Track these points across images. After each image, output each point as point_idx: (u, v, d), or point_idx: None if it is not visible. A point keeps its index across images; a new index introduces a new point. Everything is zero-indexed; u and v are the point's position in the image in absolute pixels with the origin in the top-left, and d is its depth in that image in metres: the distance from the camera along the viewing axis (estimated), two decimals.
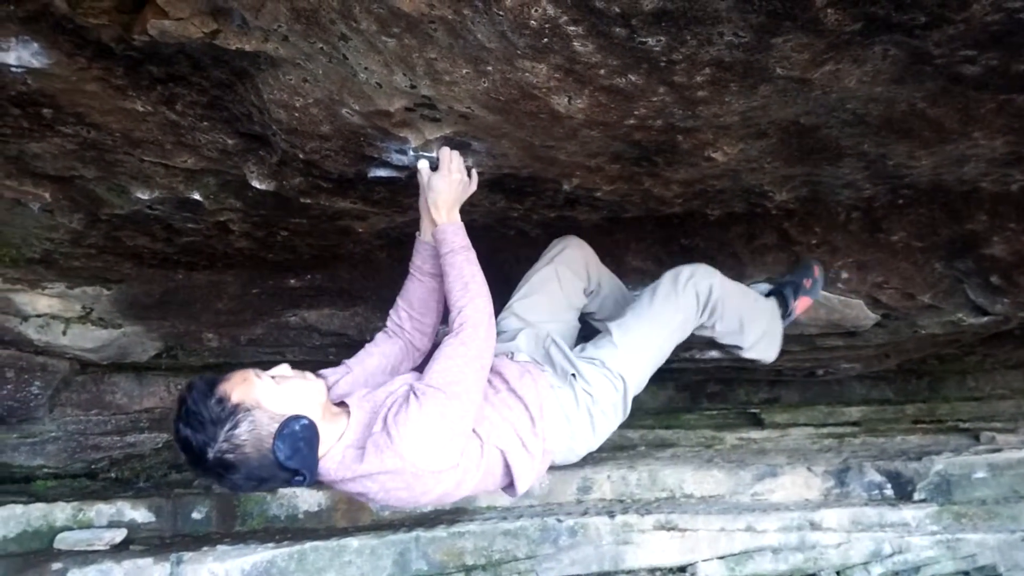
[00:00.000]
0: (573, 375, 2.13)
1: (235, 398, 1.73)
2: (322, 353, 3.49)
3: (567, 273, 2.41)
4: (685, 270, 2.30)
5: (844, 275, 2.66)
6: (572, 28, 1.39)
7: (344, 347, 3.42)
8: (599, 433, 2.21)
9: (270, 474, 1.76)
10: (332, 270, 3.01)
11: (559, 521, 4.03)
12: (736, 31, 1.35)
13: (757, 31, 1.34)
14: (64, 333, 3.18)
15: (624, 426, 5.00)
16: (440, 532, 3.92)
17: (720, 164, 1.93)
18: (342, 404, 1.93)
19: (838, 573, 4.11)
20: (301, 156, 1.99)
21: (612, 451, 4.82)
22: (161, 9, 1.62)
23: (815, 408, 4.82)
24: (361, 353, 2.17)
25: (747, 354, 2.50)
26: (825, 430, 4.76)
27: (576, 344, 2.39)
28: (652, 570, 4.05)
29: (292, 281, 3.09)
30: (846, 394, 4.95)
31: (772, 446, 4.75)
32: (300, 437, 1.74)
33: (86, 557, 3.66)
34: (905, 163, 1.92)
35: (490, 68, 1.55)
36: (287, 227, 2.54)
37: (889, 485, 4.34)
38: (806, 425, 4.81)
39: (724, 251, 2.64)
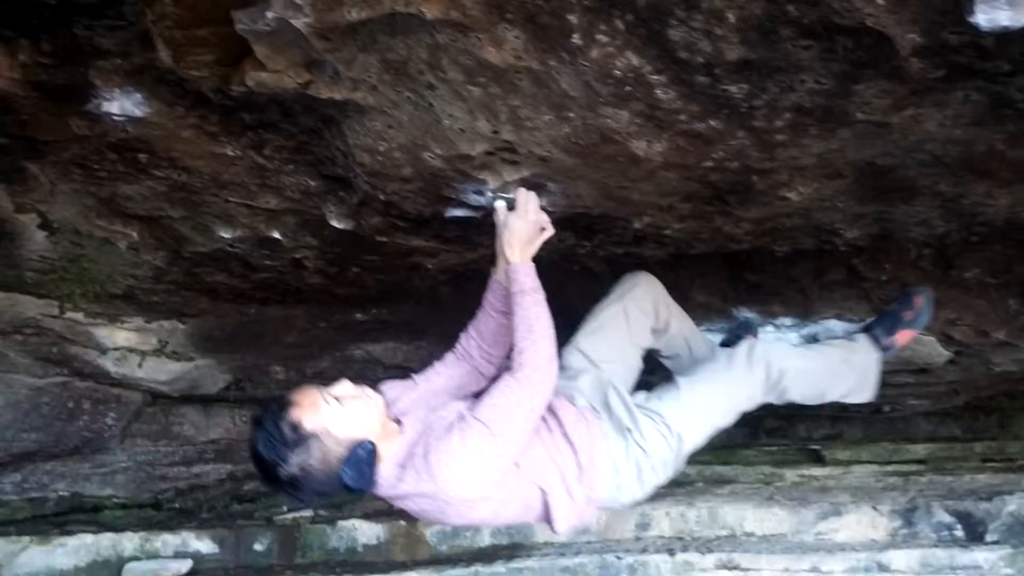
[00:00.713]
0: (629, 429, 2.17)
1: (306, 425, 1.88)
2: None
3: (635, 312, 2.46)
4: (761, 347, 2.35)
5: None
6: (655, 77, 1.46)
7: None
8: (645, 487, 2.26)
9: (333, 491, 1.97)
10: (397, 304, 3.10)
11: (618, 558, 4.03)
12: (818, 78, 1.41)
13: (839, 78, 1.39)
14: (140, 366, 3.31)
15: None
16: (499, 568, 3.94)
17: (793, 203, 1.98)
18: (398, 420, 2.01)
19: None
20: (382, 197, 2.09)
21: (670, 487, 4.77)
22: (260, 62, 1.73)
23: (879, 445, 4.75)
24: (429, 371, 2.27)
25: (839, 401, 2.53)
26: (890, 468, 4.68)
27: (637, 387, 2.44)
28: None
29: (358, 315, 3.18)
30: (911, 431, 4.87)
31: (834, 484, 4.68)
32: (364, 461, 1.91)
33: None
34: (982, 201, 1.95)
35: (572, 114, 1.63)
36: (359, 263, 2.64)
37: (959, 526, 4.24)
38: (870, 462, 4.73)
39: (791, 287, 2.67)
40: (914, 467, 4.68)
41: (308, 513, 4.27)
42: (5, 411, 3.31)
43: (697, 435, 2.30)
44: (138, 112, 1.99)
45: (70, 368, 3.30)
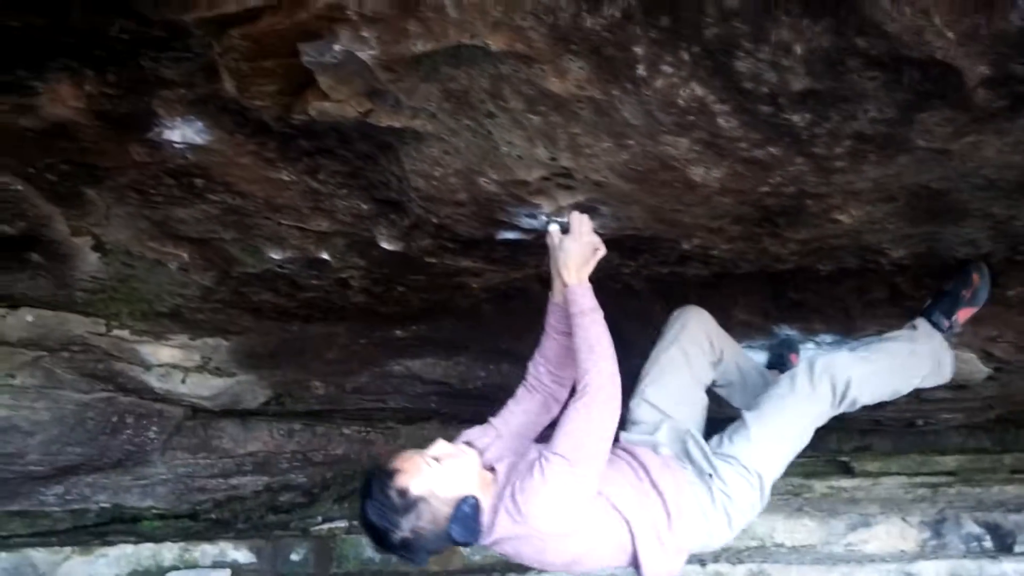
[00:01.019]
0: (710, 475, 2.18)
1: (413, 490, 1.97)
2: (424, 401, 3.59)
3: (693, 349, 2.46)
4: (820, 361, 2.32)
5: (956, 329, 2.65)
6: (718, 106, 1.47)
7: (446, 395, 3.52)
8: (735, 528, 2.29)
9: (443, 547, 2.06)
10: (438, 321, 3.12)
11: None
12: (881, 107, 1.42)
13: (903, 107, 1.40)
14: (183, 382, 3.34)
15: None
16: None
17: (843, 225, 1.99)
18: (491, 469, 2.05)
19: None
20: (434, 220, 2.11)
21: None
22: (323, 92, 1.75)
23: (908, 457, 4.73)
24: (505, 412, 2.28)
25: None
26: (919, 479, 4.65)
27: (706, 428, 2.45)
28: None
29: (398, 332, 3.20)
30: (941, 443, 4.84)
31: (863, 495, 4.66)
32: (470, 516, 1.99)
33: None
34: None
35: (631, 142, 1.64)
36: (404, 283, 2.66)
37: (988, 537, 4.22)
38: (898, 474, 4.70)
39: (834, 305, 2.67)
40: (943, 479, 4.66)
41: (343, 524, 4.29)
42: (51, 425, 3.34)
43: (776, 467, 2.32)
44: (199, 140, 2.01)
45: (115, 384, 3.33)
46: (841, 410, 2.35)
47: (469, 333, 3.17)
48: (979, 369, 2.86)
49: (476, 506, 1.99)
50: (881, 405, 2.48)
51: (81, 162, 2.17)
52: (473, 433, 2.27)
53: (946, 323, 2.46)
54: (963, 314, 2.46)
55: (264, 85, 1.80)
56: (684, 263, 2.42)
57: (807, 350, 2.89)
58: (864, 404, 2.38)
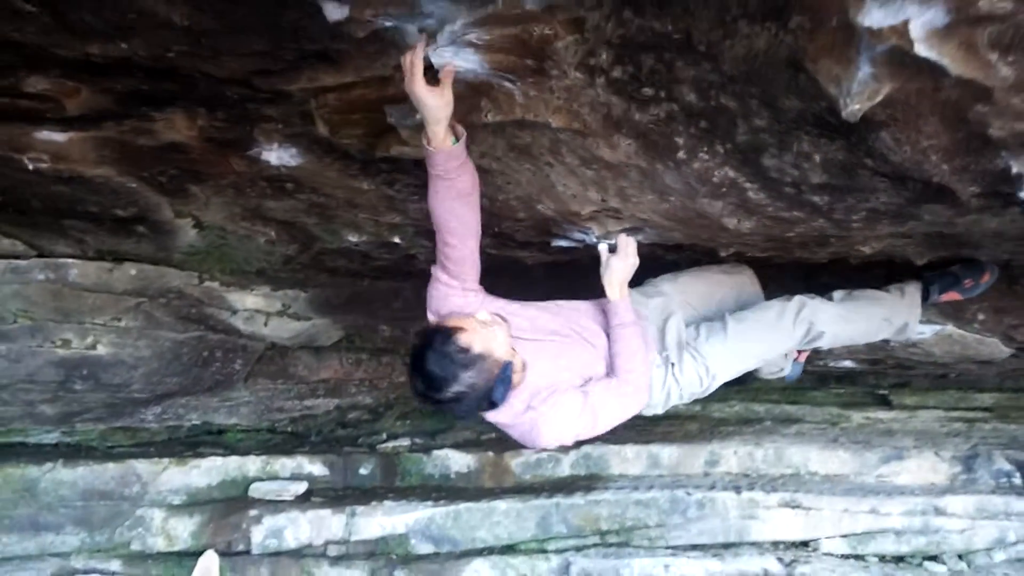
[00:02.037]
0: (673, 364, 2.53)
1: (476, 348, 2.13)
2: None
3: (733, 290, 2.81)
4: (808, 308, 2.62)
5: (980, 317, 2.94)
6: (748, 184, 1.78)
7: None
8: (667, 407, 2.64)
9: (480, 407, 2.23)
10: (495, 279, 3.49)
11: (688, 494, 4.48)
12: (891, 197, 1.70)
13: (909, 201, 1.68)
14: (265, 324, 3.83)
15: (751, 399, 5.35)
16: (578, 499, 4.45)
17: (866, 253, 2.27)
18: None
19: (960, 557, 4.41)
20: (495, 229, 2.46)
21: (738, 424, 5.20)
22: (402, 139, 2.08)
23: (946, 392, 5.02)
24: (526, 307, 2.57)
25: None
26: (955, 414, 4.97)
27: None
28: (776, 543, 4.46)
29: None
30: (980, 378, 5.11)
31: (899, 427, 4.99)
32: (508, 380, 2.20)
33: (277, 506, 4.40)
34: None
35: (672, 199, 1.96)
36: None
37: (1018, 474, 4.57)
38: (935, 408, 5.01)
39: (864, 287, 2.95)
40: (979, 414, 4.95)
41: (406, 442, 4.84)
42: (152, 360, 3.88)
43: (730, 375, 2.65)
44: (292, 162, 2.38)
45: (206, 325, 3.83)
46: (800, 347, 2.71)
47: (522, 290, 3.54)
48: (1001, 350, 3.15)
49: (511, 371, 2.18)
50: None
51: (188, 169, 2.55)
52: (499, 304, 2.48)
53: (936, 297, 2.77)
54: (949, 296, 2.77)
55: (352, 129, 2.14)
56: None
57: None
58: (819, 347, 2.75)
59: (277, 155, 2.35)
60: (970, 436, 4.85)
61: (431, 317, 2.36)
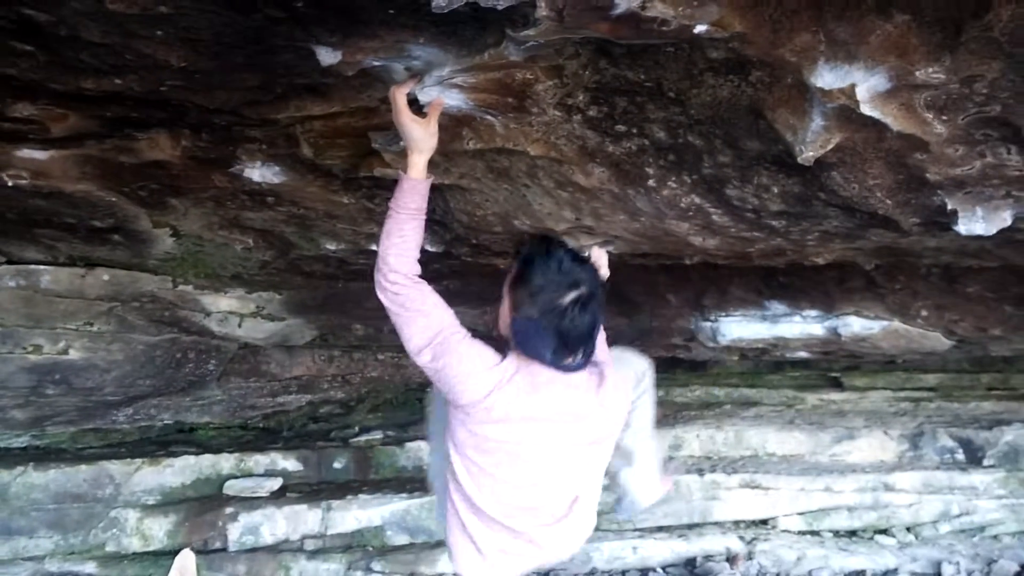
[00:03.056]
0: None
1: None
2: None
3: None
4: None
5: (923, 313, 3.17)
6: (713, 209, 1.95)
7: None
8: None
9: None
10: (466, 280, 3.64)
11: None
12: (841, 223, 1.88)
13: (857, 226, 1.87)
14: (239, 326, 3.92)
15: (711, 384, 5.58)
16: None
17: (820, 261, 2.48)
18: None
19: (908, 529, 4.72)
20: (473, 240, 2.60)
21: (700, 409, 5.44)
22: (386, 162, 2.21)
23: (894, 374, 5.33)
24: None
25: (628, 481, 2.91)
26: (902, 394, 5.29)
27: None
28: (737, 522, 4.72)
29: (432, 287, 3.72)
30: (924, 361, 5.42)
31: (851, 408, 5.30)
32: None
33: (252, 503, 4.51)
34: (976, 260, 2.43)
35: (642, 219, 2.13)
36: (443, 265, 3.17)
37: (961, 450, 4.89)
38: (884, 389, 5.33)
39: (817, 289, 3.18)
40: (925, 394, 5.28)
41: (379, 435, 4.98)
42: (125, 363, 3.95)
43: None
44: (275, 179, 2.50)
45: (179, 327, 3.91)
46: None
47: (494, 290, 3.69)
48: (943, 342, 3.39)
49: None
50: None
51: (169, 184, 2.64)
52: None
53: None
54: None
55: (336, 152, 2.26)
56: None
57: (793, 324, 3.43)
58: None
59: (260, 172, 2.46)
60: (916, 415, 5.17)
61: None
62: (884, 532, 4.71)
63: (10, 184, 2.65)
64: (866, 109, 1.36)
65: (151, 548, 4.32)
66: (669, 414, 5.27)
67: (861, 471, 4.82)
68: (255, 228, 3.02)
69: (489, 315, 2.16)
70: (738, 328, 3.60)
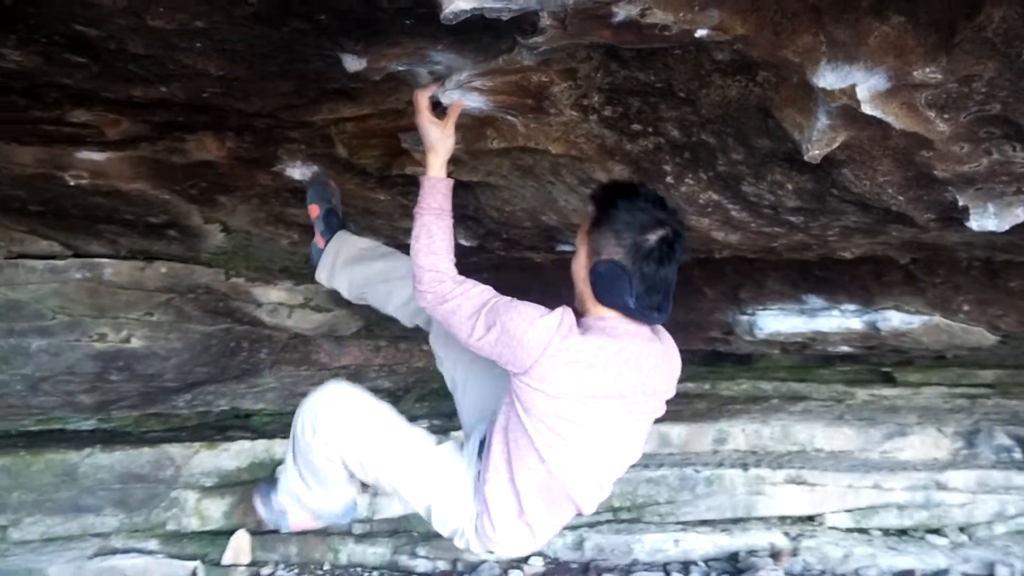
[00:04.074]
0: None
1: None
2: None
3: None
4: None
5: (966, 308, 3.12)
6: (730, 205, 1.98)
7: None
8: None
9: None
10: (504, 273, 3.71)
11: (696, 471, 4.71)
12: (859, 219, 1.89)
13: (875, 221, 1.87)
14: (289, 316, 4.07)
15: (758, 378, 5.53)
16: None
17: (849, 256, 2.47)
18: None
19: (962, 529, 4.62)
20: (504, 236, 2.67)
21: (746, 403, 5.40)
22: (416, 160, 2.28)
23: (949, 369, 5.20)
24: None
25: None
26: (958, 390, 5.15)
27: None
28: (783, 518, 4.69)
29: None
30: (981, 357, 5.29)
31: (904, 404, 5.19)
32: None
33: None
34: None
35: None
36: (478, 257, 3.24)
37: (1018, 449, 4.77)
38: (939, 385, 5.19)
39: (855, 283, 3.15)
40: (981, 391, 5.13)
41: (425, 424, 5.09)
42: (183, 351, 4.14)
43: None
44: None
45: (232, 318, 4.08)
46: None
47: (533, 282, 3.76)
48: (988, 338, 3.33)
49: None
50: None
51: (217, 182, 2.77)
52: None
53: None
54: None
55: (369, 151, 2.35)
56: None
57: (831, 317, 3.41)
58: None
59: (300, 171, 2.56)
60: (972, 412, 5.05)
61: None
62: (936, 532, 4.63)
63: (72, 183, 2.83)
64: (867, 108, 1.38)
65: (208, 528, 4.52)
66: (714, 407, 5.26)
67: (912, 469, 4.74)
68: (299, 223, 3.13)
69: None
70: (775, 322, 3.59)
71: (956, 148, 1.45)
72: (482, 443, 2.07)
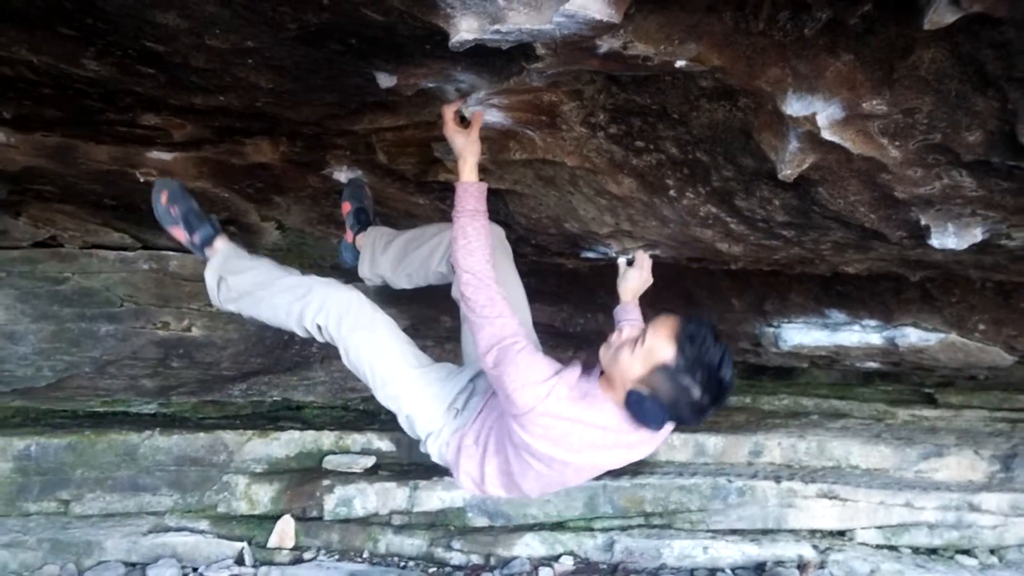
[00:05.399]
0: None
1: None
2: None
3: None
4: None
5: (981, 327, 3.22)
6: (728, 218, 2.17)
7: (551, 334, 4.39)
8: None
9: None
10: (543, 278, 3.94)
11: (729, 481, 4.84)
12: (844, 234, 2.07)
13: (859, 237, 2.05)
14: None
15: (799, 393, 5.63)
16: (624, 482, 4.86)
17: (853, 271, 2.63)
18: None
19: (992, 552, 4.66)
20: (532, 241, 2.90)
21: (785, 417, 5.49)
22: (447, 168, 2.54)
23: (991, 392, 5.23)
24: None
25: None
26: (999, 414, 5.18)
27: None
28: (813, 531, 4.79)
29: None
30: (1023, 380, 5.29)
31: (944, 425, 5.23)
32: None
33: (347, 478, 4.93)
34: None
35: (671, 225, 2.37)
36: (519, 264, 3.47)
37: None
38: (980, 408, 5.23)
39: (874, 299, 3.28)
40: (1023, 415, 5.14)
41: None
42: (239, 342, 4.48)
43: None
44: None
45: None
46: None
47: (569, 288, 3.98)
48: (1004, 358, 3.41)
49: None
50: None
51: (272, 183, 3.06)
52: None
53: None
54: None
55: (406, 159, 2.62)
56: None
57: (852, 332, 3.54)
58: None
59: (346, 175, 2.84)
60: (1012, 436, 5.06)
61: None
62: (966, 552, 4.67)
63: (142, 180, 3.16)
64: (826, 134, 1.57)
65: (256, 512, 4.82)
66: (753, 421, 5.38)
67: (946, 489, 4.78)
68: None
69: (588, 354, 2.19)
70: (799, 335, 3.73)
71: (911, 172, 1.62)
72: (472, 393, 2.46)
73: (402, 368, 2.58)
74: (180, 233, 2.71)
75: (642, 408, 1.96)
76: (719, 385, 1.90)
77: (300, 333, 2.70)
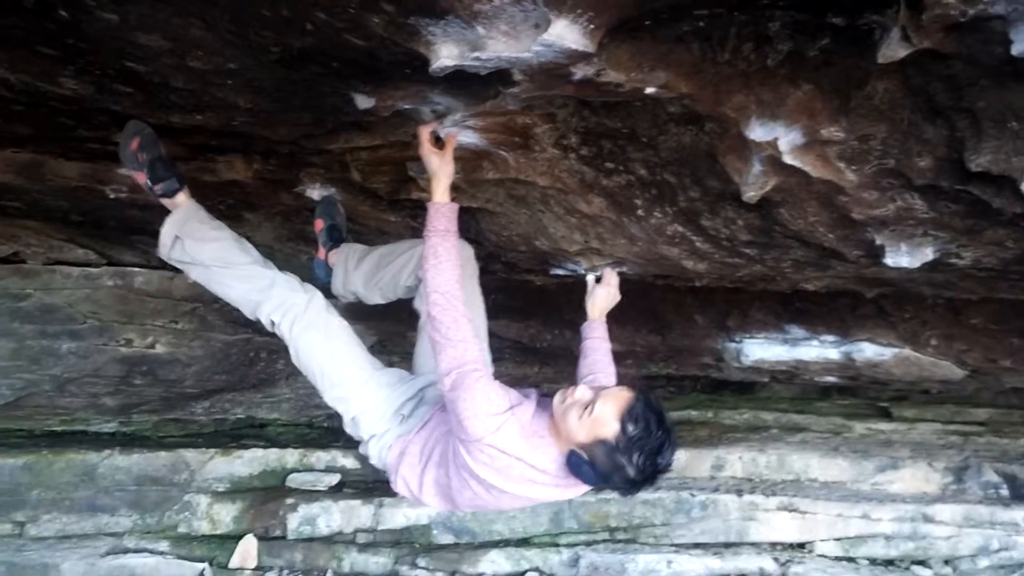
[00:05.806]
0: None
1: None
2: (498, 352, 4.53)
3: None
4: None
5: (933, 342, 3.37)
6: (694, 237, 2.28)
7: (518, 350, 4.46)
8: None
9: None
10: (512, 295, 4.01)
11: (692, 495, 4.94)
12: (804, 253, 2.18)
13: (818, 256, 2.16)
14: None
15: (760, 408, 5.76)
16: (589, 498, 4.94)
17: (812, 288, 2.75)
18: None
19: (946, 562, 4.82)
20: (503, 258, 2.98)
21: (746, 432, 5.63)
22: (421, 187, 2.61)
23: (944, 406, 5.43)
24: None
25: None
26: (952, 427, 5.37)
27: None
28: (773, 544, 4.91)
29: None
30: (975, 395, 5.49)
31: (899, 438, 5.40)
32: None
33: (311, 496, 4.95)
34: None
35: (639, 244, 2.47)
36: (489, 281, 3.54)
37: (1005, 486, 4.97)
38: (933, 421, 5.42)
39: (832, 315, 3.42)
40: (974, 428, 5.35)
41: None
42: (204, 359, 4.48)
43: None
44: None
45: (253, 328, 4.40)
46: None
47: (538, 304, 4.06)
48: (955, 372, 3.57)
49: None
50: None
51: (243, 200, 3.10)
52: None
53: None
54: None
55: (380, 177, 2.68)
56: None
57: (811, 347, 3.67)
58: None
59: (319, 193, 2.90)
60: (964, 449, 5.25)
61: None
62: (921, 563, 4.82)
63: (111, 196, 3.18)
64: (788, 159, 1.68)
65: (218, 531, 4.81)
66: (715, 435, 5.50)
67: (901, 501, 4.93)
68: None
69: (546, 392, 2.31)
70: (760, 350, 3.86)
71: (866, 195, 1.74)
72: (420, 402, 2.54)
73: (352, 370, 2.66)
74: (142, 178, 2.69)
75: (580, 470, 2.05)
76: (654, 469, 2.01)
77: (248, 316, 2.80)
